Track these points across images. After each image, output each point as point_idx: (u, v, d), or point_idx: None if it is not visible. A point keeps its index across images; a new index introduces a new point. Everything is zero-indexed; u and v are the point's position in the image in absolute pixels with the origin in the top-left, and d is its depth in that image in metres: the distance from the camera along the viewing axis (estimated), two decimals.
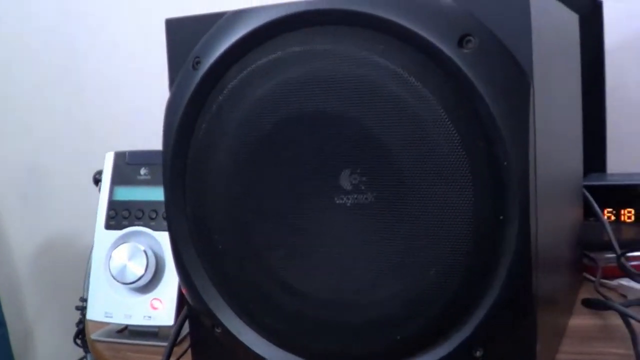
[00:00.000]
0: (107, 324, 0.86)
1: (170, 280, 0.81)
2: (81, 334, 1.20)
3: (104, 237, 0.85)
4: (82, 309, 1.13)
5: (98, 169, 0.92)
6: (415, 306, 0.53)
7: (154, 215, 0.83)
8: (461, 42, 0.50)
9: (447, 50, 0.50)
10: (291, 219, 0.57)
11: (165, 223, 0.69)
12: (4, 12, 1.61)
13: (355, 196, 0.55)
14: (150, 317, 0.81)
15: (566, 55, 0.70)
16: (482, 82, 0.49)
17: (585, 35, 0.89)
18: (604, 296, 0.77)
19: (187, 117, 0.61)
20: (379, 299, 0.55)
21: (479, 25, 0.50)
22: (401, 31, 0.51)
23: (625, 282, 0.81)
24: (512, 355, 0.52)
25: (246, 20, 0.58)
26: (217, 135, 0.59)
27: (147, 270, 0.80)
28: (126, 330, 0.86)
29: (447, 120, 0.50)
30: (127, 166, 0.86)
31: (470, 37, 0.50)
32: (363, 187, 0.54)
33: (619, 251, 0.82)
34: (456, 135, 0.50)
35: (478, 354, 0.52)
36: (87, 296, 0.85)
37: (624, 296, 0.81)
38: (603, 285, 0.85)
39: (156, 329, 0.83)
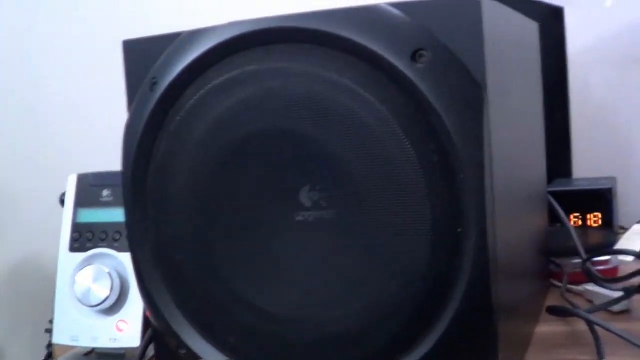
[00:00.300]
0: (74, 347, 0.85)
1: (136, 301, 0.80)
2: (50, 357, 1.19)
3: (68, 260, 0.84)
4: (51, 332, 1.12)
5: (64, 190, 0.91)
6: (375, 322, 0.53)
7: (117, 237, 0.82)
8: (414, 56, 0.50)
9: (401, 65, 0.50)
10: (252, 236, 0.57)
11: None
12: None
13: (316, 213, 0.55)
14: (116, 339, 0.80)
15: (526, 64, 0.71)
16: (436, 96, 0.49)
17: (548, 43, 0.90)
18: (569, 302, 0.78)
19: (145, 138, 0.61)
20: (339, 315, 0.55)
21: (432, 39, 0.50)
22: (355, 48, 0.51)
23: (591, 287, 0.81)
24: None
25: (202, 40, 0.57)
26: (175, 155, 0.59)
27: (112, 292, 0.80)
28: (93, 353, 0.85)
29: (402, 135, 0.50)
30: (91, 188, 0.85)
31: (424, 52, 0.50)
32: (323, 204, 0.54)
33: (584, 256, 0.83)
34: (412, 150, 0.50)
35: None
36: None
37: (591, 302, 0.81)
38: (570, 291, 0.85)
39: (123, 351, 0.82)
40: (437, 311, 0.52)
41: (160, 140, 0.60)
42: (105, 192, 0.84)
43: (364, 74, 0.51)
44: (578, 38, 1.23)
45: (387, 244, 0.52)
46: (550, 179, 1.01)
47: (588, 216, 1.07)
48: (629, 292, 0.73)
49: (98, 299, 0.80)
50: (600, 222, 1.07)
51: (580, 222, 1.07)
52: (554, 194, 0.95)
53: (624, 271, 0.84)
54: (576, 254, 0.85)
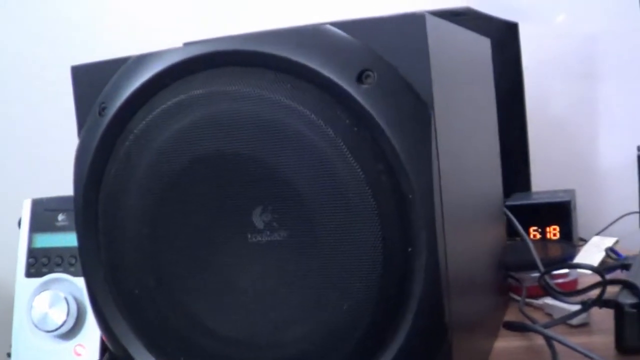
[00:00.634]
0: None
1: (93, 325, 0.79)
2: None
3: (24, 285, 0.83)
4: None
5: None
6: (329, 342, 0.53)
7: (73, 261, 0.82)
8: (360, 77, 0.50)
9: (347, 86, 0.50)
10: (205, 260, 0.57)
11: None
12: None
13: (268, 234, 0.54)
14: None
15: (477, 80, 0.71)
16: (383, 117, 0.50)
17: (504, 58, 0.91)
18: (528, 317, 0.78)
19: (96, 163, 0.60)
20: (293, 337, 0.54)
21: (377, 59, 0.50)
22: (301, 69, 0.51)
23: (550, 301, 0.82)
24: None
25: (149, 64, 0.57)
26: (125, 180, 0.58)
27: (69, 317, 0.79)
28: None
29: (349, 156, 0.50)
30: (45, 212, 0.85)
31: (370, 72, 0.50)
32: (275, 225, 0.54)
33: (542, 269, 0.83)
34: (359, 170, 0.50)
35: None
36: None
37: (550, 315, 0.81)
38: (529, 304, 0.85)
39: None
40: (391, 330, 0.52)
41: (110, 166, 0.60)
42: (61, 217, 0.84)
43: (311, 96, 0.51)
44: (534, 53, 1.25)
45: (339, 263, 0.52)
46: (510, 193, 1.01)
47: (547, 229, 1.08)
48: (587, 306, 0.73)
49: (55, 324, 0.79)
50: (559, 234, 1.08)
51: (539, 235, 1.08)
52: (512, 208, 0.96)
53: (583, 283, 0.85)
54: (535, 267, 0.85)
